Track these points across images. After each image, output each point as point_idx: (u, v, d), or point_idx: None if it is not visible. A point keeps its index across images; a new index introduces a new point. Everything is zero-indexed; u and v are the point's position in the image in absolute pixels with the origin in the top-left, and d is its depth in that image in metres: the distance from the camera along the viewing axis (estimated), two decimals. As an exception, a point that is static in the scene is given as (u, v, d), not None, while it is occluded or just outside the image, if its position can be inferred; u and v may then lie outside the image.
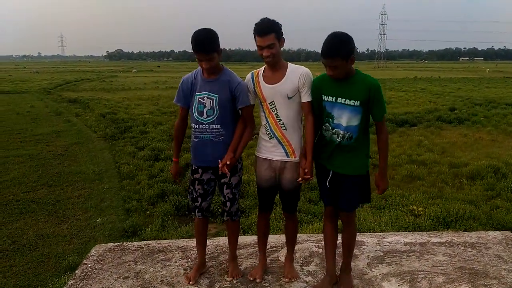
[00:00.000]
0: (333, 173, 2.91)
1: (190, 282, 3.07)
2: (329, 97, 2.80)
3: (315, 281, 3.09)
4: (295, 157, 2.97)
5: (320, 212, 5.65)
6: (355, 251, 3.46)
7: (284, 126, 2.94)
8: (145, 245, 3.67)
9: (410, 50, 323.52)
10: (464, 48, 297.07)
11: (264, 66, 3.01)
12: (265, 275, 3.16)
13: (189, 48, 2.84)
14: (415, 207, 6.02)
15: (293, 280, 3.09)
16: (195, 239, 3.22)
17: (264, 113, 2.99)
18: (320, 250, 3.46)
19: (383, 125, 2.81)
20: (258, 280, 3.11)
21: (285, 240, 3.32)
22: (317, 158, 2.98)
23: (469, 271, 3.15)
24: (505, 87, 30.74)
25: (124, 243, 3.71)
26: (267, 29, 2.77)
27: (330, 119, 2.82)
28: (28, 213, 6.00)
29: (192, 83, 2.97)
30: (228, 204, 3.06)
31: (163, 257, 3.44)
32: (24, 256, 4.70)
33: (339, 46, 2.59)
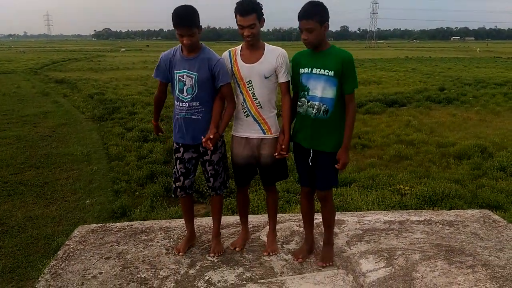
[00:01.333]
0: (313, 152, 2.96)
1: (180, 253, 3.22)
2: (305, 68, 2.88)
3: (294, 258, 3.15)
4: (271, 134, 3.06)
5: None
6: (335, 229, 3.53)
7: (259, 104, 3.01)
8: (127, 225, 3.70)
9: (402, 29, 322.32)
10: (455, 28, 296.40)
11: (241, 45, 3.06)
12: (245, 254, 3.23)
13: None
14: (402, 186, 6.11)
15: (271, 253, 3.20)
16: (178, 219, 3.28)
17: (241, 91, 3.04)
18: (301, 229, 3.51)
19: (352, 99, 2.86)
20: (237, 249, 3.27)
21: (267, 220, 3.40)
22: (294, 138, 3.05)
23: (446, 248, 3.23)
24: (495, 67, 30.88)
25: (107, 224, 3.74)
26: (249, 9, 2.80)
27: (306, 92, 2.89)
28: (16, 195, 6.00)
29: (170, 61, 3.00)
30: (212, 179, 3.15)
31: (146, 238, 3.48)
32: (13, 238, 4.71)
33: (314, 9, 2.73)
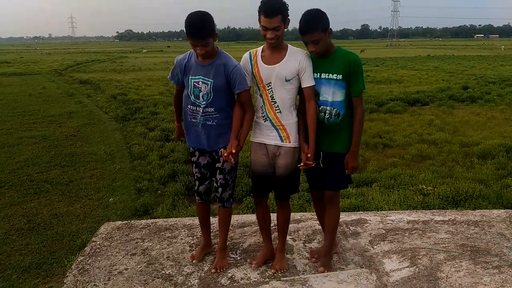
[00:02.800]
0: (324, 154, 2.95)
1: (194, 261, 3.16)
2: (314, 74, 2.86)
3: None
4: (289, 142, 2.91)
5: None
6: (358, 229, 3.52)
7: (278, 108, 2.88)
8: (152, 223, 3.78)
9: (424, 27, 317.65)
10: (479, 25, 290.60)
11: (262, 46, 2.95)
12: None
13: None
14: (424, 187, 6.01)
15: (280, 271, 3.00)
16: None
17: (261, 94, 2.93)
18: (323, 228, 3.51)
19: (359, 102, 2.83)
20: (253, 266, 3.09)
21: (294, 223, 3.38)
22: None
23: (471, 249, 3.19)
24: (521, 64, 30.07)
25: (132, 221, 3.82)
26: (275, 10, 2.65)
27: (316, 97, 2.87)
28: (42, 193, 6.12)
29: (186, 66, 2.92)
30: (220, 190, 3.04)
31: (170, 235, 3.54)
32: (39, 235, 4.81)
33: (314, 20, 2.69)
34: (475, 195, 5.56)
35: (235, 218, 3.95)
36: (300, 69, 2.84)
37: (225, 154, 2.84)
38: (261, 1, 2.71)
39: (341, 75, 2.77)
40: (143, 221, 3.83)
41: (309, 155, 2.82)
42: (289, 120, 2.91)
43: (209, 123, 2.94)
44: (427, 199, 5.53)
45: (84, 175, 6.90)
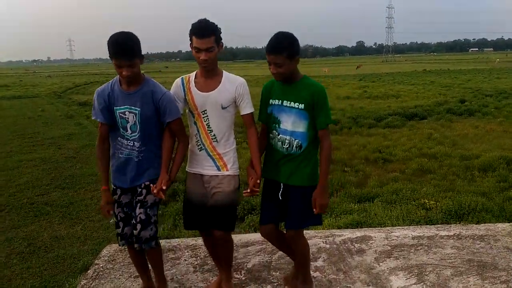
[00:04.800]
0: (283, 186, 2.74)
1: None
2: (276, 100, 2.72)
3: (323, 276, 3.13)
4: (227, 170, 2.77)
5: (331, 209, 5.62)
6: (363, 245, 3.49)
7: (215, 137, 2.75)
8: (155, 244, 3.73)
9: (419, 42, 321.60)
10: (473, 39, 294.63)
11: (195, 72, 2.81)
12: (273, 271, 3.21)
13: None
14: (427, 201, 5.98)
15: None
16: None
17: (195, 122, 2.78)
18: (328, 246, 3.48)
19: (325, 135, 2.64)
20: None
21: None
22: (264, 172, 2.80)
23: (478, 264, 3.17)
24: (517, 77, 30.34)
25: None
26: (208, 31, 2.56)
27: (277, 125, 2.72)
28: (42, 215, 6.08)
29: (109, 95, 2.66)
30: (139, 226, 2.64)
31: (173, 256, 3.51)
32: (40, 258, 4.76)
33: (283, 43, 2.55)
34: (478, 209, 5.53)
35: (238, 238, 3.91)
36: (237, 96, 2.73)
37: (155, 191, 2.61)
38: (192, 24, 2.60)
39: (303, 105, 2.62)
40: (146, 243, 3.79)
41: (258, 181, 2.67)
42: (226, 148, 2.78)
43: (136, 159, 2.70)
44: (430, 214, 5.50)
45: (84, 197, 6.86)
